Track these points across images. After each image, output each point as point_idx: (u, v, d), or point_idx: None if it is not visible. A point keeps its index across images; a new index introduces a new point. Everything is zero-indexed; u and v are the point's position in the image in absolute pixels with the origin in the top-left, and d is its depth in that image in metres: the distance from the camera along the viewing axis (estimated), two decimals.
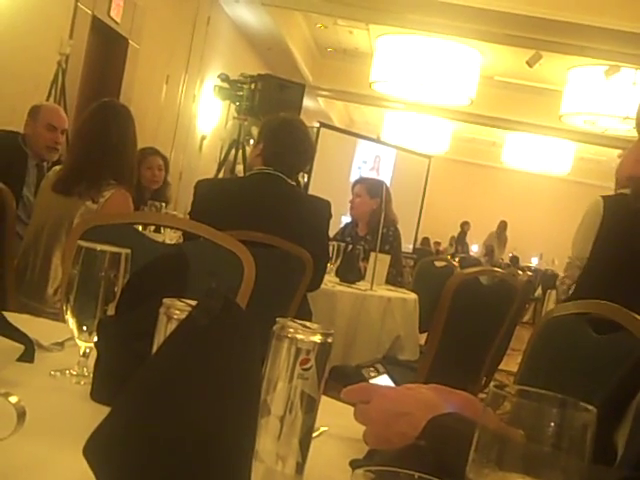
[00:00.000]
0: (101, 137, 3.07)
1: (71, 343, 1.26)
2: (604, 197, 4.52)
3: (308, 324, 0.87)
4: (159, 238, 3.67)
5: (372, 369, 1.08)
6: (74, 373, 1.17)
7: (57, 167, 3.29)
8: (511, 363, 5.03)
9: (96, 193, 3.02)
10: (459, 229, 17.43)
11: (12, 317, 1.26)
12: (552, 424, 0.57)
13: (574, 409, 0.58)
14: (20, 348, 1.04)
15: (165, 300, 0.93)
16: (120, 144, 3.09)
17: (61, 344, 1.32)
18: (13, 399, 0.70)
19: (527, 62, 9.95)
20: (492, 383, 0.60)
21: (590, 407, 0.58)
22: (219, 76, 7.07)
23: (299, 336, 0.84)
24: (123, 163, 3.11)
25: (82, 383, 1.14)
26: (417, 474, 0.65)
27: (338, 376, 3.08)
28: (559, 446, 0.57)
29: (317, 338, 0.85)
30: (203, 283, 0.59)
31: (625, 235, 4.23)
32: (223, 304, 0.52)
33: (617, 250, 4.31)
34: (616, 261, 4.31)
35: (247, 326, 0.52)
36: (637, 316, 1.56)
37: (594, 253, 4.44)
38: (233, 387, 0.50)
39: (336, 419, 1.11)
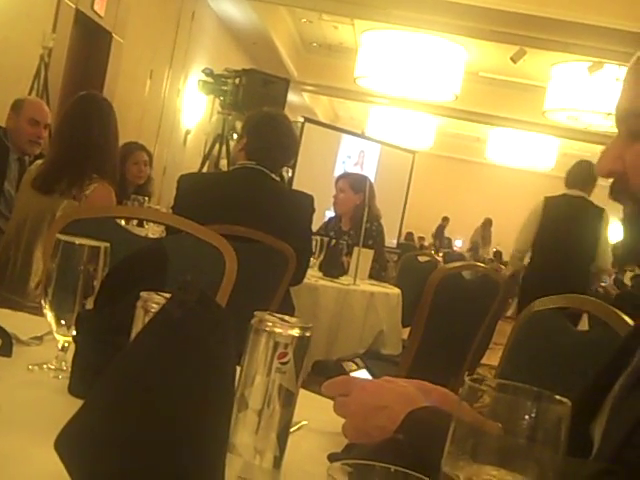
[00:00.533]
0: (82, 132, 3.04)
1: (50, 337, 1.25)
2: (546, 197, 5.34)
3: (287, 318, 0.86)
4: (142, 232, 3.66)
5: (352, 363, 1.09)
6: (52, 367, 1.16)
7: (39, 161, 3.26)
8: (493, 357, 5.04)
9: (78, 190, 2.99)
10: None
11: None
12: (527, 416, 0.57)
13: (549, 402, 0.58)
14: None
15: (142, 293, 0.93)
16: (102, 138, 3.06)
17: (40, 338, 1.31)
18: None
19: (511, 58, 9.98)
20: (467, 376, 0.60)
21: (565, 400, 0.58)
22: (203, 70, 7.04)
23: (277, 330, 0.84)
24: (105, 157, 3.08)
25: (60, 377, 1.13)
26: (393, 467, 0.65)
27: (321, 370, 3.09)
28: (534, 438, 0.57)
29: (295, 332, 0.84)
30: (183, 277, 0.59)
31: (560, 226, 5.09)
32: (198, 297, 0.51)
33: (554, 240, 5.10)
34: (553, 249, 5.12)
35: (222, 319, 0.52)
36: (616, 310, 1.57)
37: (535, 245, 5.25)
38: (207, 380, 0.50)
39: (317, 413, 1.11)
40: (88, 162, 3.03)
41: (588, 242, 5.03)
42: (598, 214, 4.97)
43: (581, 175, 5.05)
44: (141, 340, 0.51)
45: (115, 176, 3.20)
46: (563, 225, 5.08)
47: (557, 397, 0.59)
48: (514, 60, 9.97)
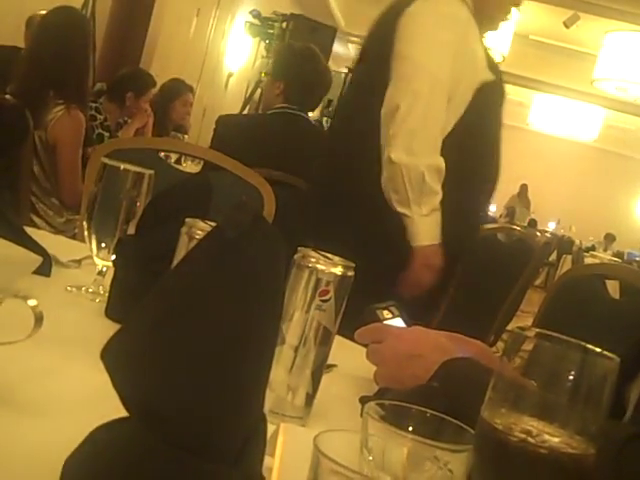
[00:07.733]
0: (37, 52, 2.71)
1: (88, 262, 1.26)
2: None
3: (330, 255, 0.86)
4: None
5: (386, 310, 1.08)
6: (90, 290, 1.17)
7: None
8: (519, 324, 5.01)
9: (45, 120, 2.69)
10: None
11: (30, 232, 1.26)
12: (573, 369, 0.56)
13: (596, 355, 0.57)
14: (38, 260, 1.03)
15: (187, 220, 0.92)
16: (60, 54, 2.69)
17: (78, 262, 1.32)
18: (32, 302, 0.69)
19: (564, 23, 9.76)
20: (515, 326, 0.59)
21: (613, 356, 0.57)
22: (251, 12, 6.98)
23: (320, 266, 0.83)
24: (68, 76, 2.71)
25: (97, 300, 1.14)
26: (429, 411, 0.64)
27: None
28: (577, 392, 0.56)
29: (338, 270, 0.84)
30: (222, 213, 0.58)
31: None
32: (252, 218, 0.50)
33: None
34: None
35: (275, 243, 0.51)
36: None
37: None
38: (257, 303, 0.49)
39: (347, 358, 1.11)
40: (47, 83, 2.69)
41: None
42: None
43: None
44: (192, 258, 0.51)
45: (85, 99, 2.84)
46: None
47: (605, 352, 0.57)
48: (567, 25, 9.75)
